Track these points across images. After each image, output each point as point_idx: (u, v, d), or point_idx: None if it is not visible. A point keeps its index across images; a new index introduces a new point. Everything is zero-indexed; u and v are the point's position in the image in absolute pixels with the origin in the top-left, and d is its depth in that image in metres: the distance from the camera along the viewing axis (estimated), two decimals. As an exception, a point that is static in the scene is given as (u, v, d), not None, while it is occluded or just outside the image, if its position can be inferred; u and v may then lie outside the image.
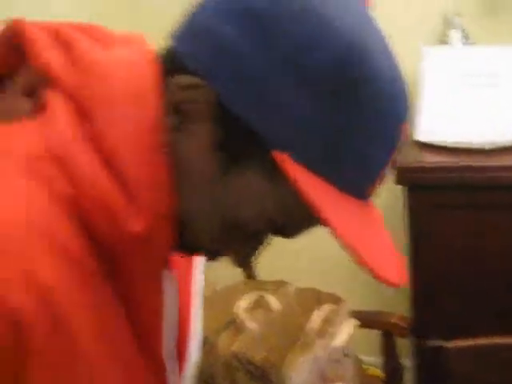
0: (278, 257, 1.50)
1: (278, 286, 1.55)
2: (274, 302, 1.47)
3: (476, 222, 1.56)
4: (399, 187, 1.58)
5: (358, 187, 0.46)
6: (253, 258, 0.52)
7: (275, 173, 0.44)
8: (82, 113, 0.45)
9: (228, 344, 1.36)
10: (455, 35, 1.73)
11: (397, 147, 0.48)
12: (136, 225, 0.45)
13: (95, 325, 0.46)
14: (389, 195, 1.61)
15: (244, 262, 0.52)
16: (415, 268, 1.55)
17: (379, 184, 0.48)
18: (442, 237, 1.57)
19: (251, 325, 1.39)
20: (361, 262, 0.45)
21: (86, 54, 0.47)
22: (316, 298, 1.47)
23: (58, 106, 0.45)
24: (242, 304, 1.46)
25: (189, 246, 0.51)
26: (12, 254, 0.41)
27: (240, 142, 0.45)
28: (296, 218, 0.48)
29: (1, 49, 0.50)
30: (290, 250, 1.52)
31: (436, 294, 1.57)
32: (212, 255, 0.54)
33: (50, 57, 0.47)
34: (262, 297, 1.49)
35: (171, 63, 0.47)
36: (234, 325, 1.42)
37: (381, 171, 0.47)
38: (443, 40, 1.79)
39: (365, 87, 0.44)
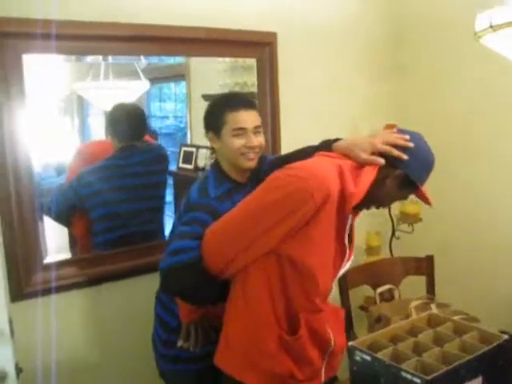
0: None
1: (443, 305, 2.30)
2: (434, 308, 2.22)
3: None
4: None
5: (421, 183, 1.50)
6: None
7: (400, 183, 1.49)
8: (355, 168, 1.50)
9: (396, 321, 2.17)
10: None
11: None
12: (352, 189, 1.41)
13: (329, 221, 1.43)
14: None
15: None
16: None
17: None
18: None
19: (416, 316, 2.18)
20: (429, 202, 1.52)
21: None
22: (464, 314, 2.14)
23: (347, 166, 1.48)
24: (413, 304, 2.30)
25: (366, 203, 1.51)
26: (330, 175, 1.40)
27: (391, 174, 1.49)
28: (398, 198, 1.58)
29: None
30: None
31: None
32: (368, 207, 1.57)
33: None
34: (427, 304, 2.30)
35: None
36: (405, 315, 2.25)
37: (425, 179, 1.51)
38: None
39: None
